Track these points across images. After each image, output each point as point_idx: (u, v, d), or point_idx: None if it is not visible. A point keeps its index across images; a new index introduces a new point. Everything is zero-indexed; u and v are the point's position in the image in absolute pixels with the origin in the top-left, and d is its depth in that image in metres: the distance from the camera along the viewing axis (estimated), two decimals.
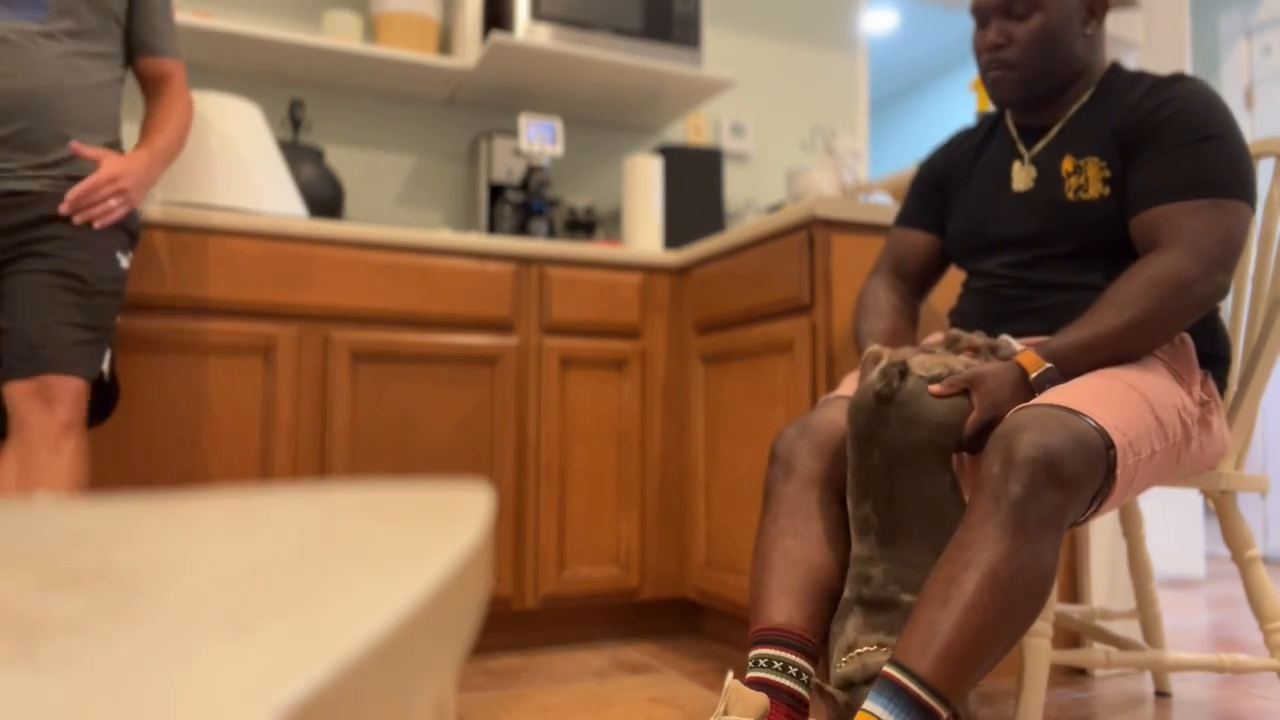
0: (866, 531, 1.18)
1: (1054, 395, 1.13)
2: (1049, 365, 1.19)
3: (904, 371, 1.18)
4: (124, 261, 1.63)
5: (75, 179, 1.59)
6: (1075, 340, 1.20)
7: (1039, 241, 1.35)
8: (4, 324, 1.52)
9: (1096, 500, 1.10)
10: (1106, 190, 1.29)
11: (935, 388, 1.17)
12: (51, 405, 1.51)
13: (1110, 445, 1.07)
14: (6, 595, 0.22)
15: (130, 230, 1.65)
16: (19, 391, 1.50)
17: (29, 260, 1.53)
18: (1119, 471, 1.09)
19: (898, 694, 0.97)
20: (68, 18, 1.59)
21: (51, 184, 1.57)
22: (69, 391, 1.53)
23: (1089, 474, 1.05)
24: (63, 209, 1.55)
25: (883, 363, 1.20)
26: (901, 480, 1.16)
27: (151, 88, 1.76)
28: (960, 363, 1.22)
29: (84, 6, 1.61)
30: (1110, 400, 1.12)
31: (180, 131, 1.73)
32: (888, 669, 1.01)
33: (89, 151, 1.56)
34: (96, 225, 1.57)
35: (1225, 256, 1.21)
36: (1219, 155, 1.23)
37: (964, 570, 1.01)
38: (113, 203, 1.57)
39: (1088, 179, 1.31)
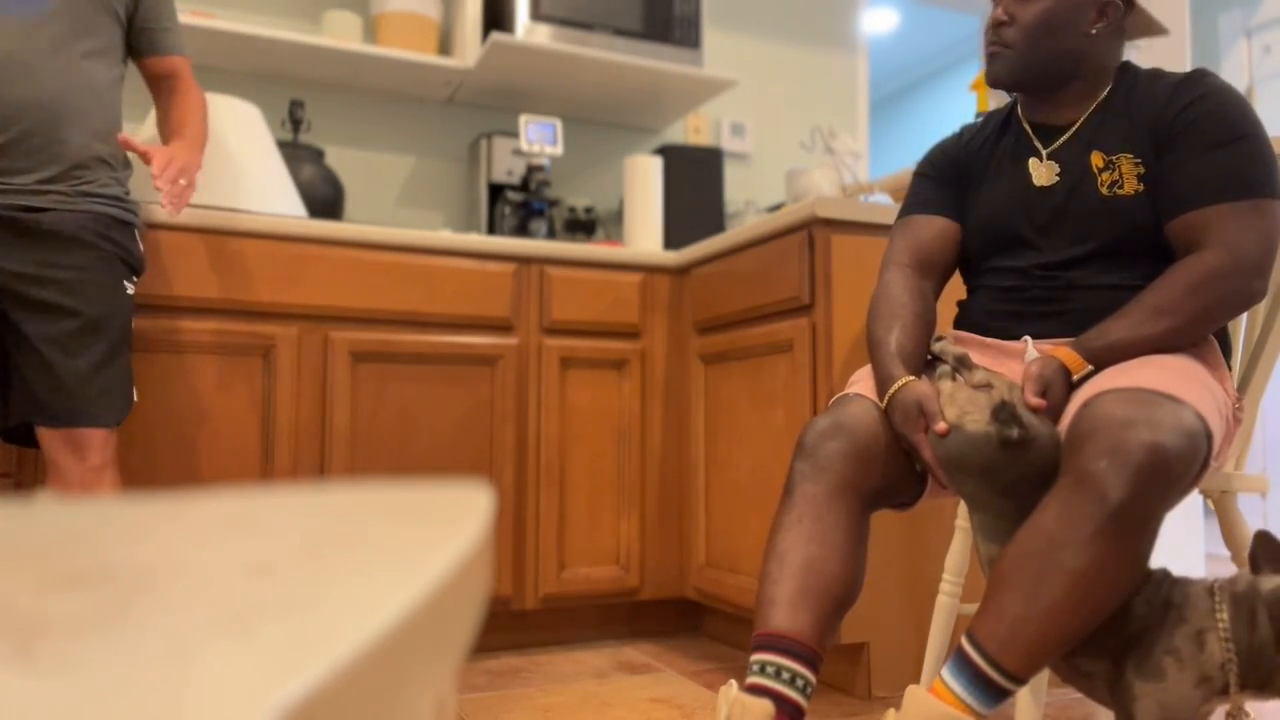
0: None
1: (1137, 377, 1.08)
2: (1091, 368, 1.18)
3: (1011, 406, 1.14)
4: (130, 289, 1.62)
5: (87, 195, 1.54)
6: (1116, 341, 1.18)
7: (1068, 238, 1.32)
8: (28, 372, 1.51)
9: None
10: (1141, 187, 1.28)
11: (1033, 400, 1.15)
12: (82, 452, 1.53)
13: (1209, 434, 1.05)
14: (6, 595, 0.22)
15: (133, 264, 1.63)
16: (48, 438, 1.52)
17: (44, 305, 1.50)
18: (1211, 461, 1.06)
19: (977, 677, 1.01)
20: (67, 14, 1.55)
21: (62, 200, 1.51)
22: (98, 439, 1.55)
23: (1193, 469, 1.02)
24: (164, 199, 1.51)
25: (979, 405, 1.14)
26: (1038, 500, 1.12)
27: (160, 85, 1.75)
28: (987, 374, 1.20)
29: (84, 2, 1.58)
30: (1192, 387, 1.09)
31: (204, 123, 1.72)
32: (967, 648, 1.02)
33: (139, 146, 1.53)
34: (175, 210, 1.52)
35: (1265, 260, 1.20)
36: (1256, 155, 1.22)
37: (1055, 573, 0.99)
38: (182, 182, 1.54)
39: (1122, 174, 1.29)
